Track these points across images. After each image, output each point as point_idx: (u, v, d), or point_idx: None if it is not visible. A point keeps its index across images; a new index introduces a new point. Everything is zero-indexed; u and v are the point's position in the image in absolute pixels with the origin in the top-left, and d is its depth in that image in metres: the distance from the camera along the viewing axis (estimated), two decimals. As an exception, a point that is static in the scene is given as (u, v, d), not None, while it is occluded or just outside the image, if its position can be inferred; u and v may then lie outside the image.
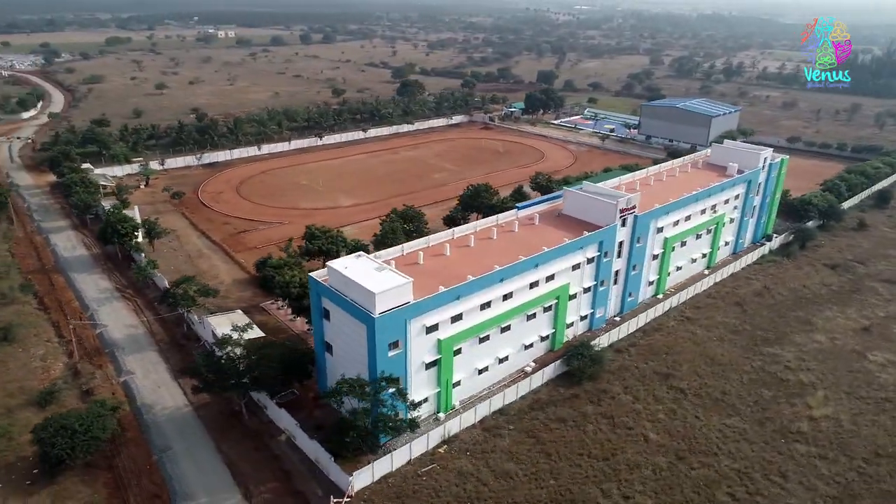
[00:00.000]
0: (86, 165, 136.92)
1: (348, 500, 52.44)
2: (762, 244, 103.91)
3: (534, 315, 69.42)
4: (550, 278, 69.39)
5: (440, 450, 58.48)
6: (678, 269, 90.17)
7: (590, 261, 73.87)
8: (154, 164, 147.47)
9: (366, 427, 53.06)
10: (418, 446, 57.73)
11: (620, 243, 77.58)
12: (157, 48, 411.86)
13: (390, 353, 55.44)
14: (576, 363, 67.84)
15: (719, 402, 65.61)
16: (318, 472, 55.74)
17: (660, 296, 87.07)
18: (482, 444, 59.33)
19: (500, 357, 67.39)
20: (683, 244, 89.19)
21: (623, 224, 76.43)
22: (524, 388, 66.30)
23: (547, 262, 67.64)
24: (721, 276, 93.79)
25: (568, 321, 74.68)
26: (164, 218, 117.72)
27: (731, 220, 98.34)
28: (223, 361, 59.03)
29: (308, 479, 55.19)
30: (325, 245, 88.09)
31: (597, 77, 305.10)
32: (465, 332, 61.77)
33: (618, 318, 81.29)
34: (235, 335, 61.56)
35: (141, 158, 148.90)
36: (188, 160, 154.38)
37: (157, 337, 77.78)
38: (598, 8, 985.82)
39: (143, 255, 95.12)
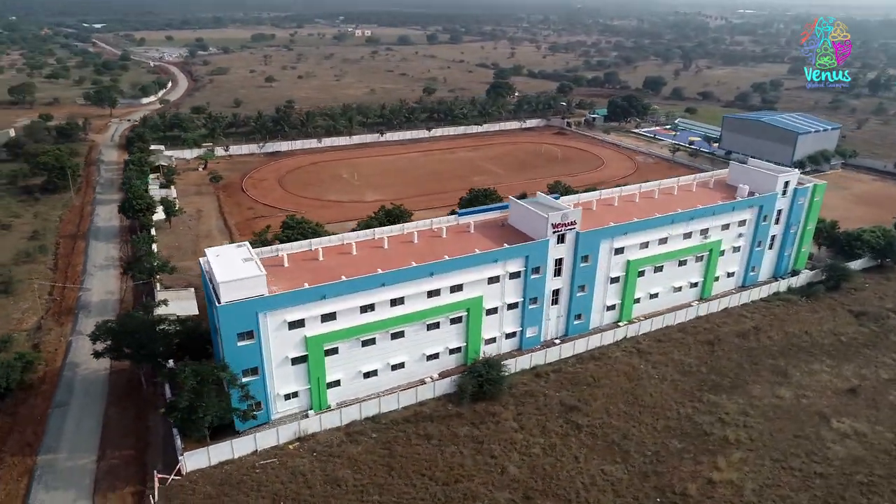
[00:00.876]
0: (158, 147, 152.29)
1: (176, 478, 54.27)
2: (781, 279, 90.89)
3: (437, 325, 66.76)
4: (457, 288, 66.28)
5: (291, 446, 58.48)
6: (653, 296, 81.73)
7: (513, 275, 69.40)
8: (220, 150, 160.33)
9: (192, 407, 54.21)
10: (270, 439, 58.19)
11: (559, 260, 72.05)
12: (293, 45, 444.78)
13: (240, 343, 56.33)
14: (463, 381, 64.27)
15: (613, 446, 58.86)
16: (172, 448, 58.19)
17: (622, 322, 79.56)
18: (334, 447, 58.37)
19: (393, 363, 65.66)
20: (659, 269, 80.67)
21: (561, 240, 70.87)
22: (408, 398, 64.10)
23: (447, 271, 64.66)
24: (709, 310, 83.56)
25: (487, 336, 70.81)
26: (199, 199, 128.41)
27: (736, 249, 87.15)
28: (117, 331, 63.49)
29: (159, 454, 57.89)
30: (295, 235, 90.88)
31: (715, 86, 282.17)
32: (339, 332, 61.02)
33: (557, 341, 75.58)
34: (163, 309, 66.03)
35: (210, 144, 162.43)
36: (252, 148, 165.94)
37: (123, 305, 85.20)
38: (765, 12, 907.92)
39: (153, 229, 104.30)
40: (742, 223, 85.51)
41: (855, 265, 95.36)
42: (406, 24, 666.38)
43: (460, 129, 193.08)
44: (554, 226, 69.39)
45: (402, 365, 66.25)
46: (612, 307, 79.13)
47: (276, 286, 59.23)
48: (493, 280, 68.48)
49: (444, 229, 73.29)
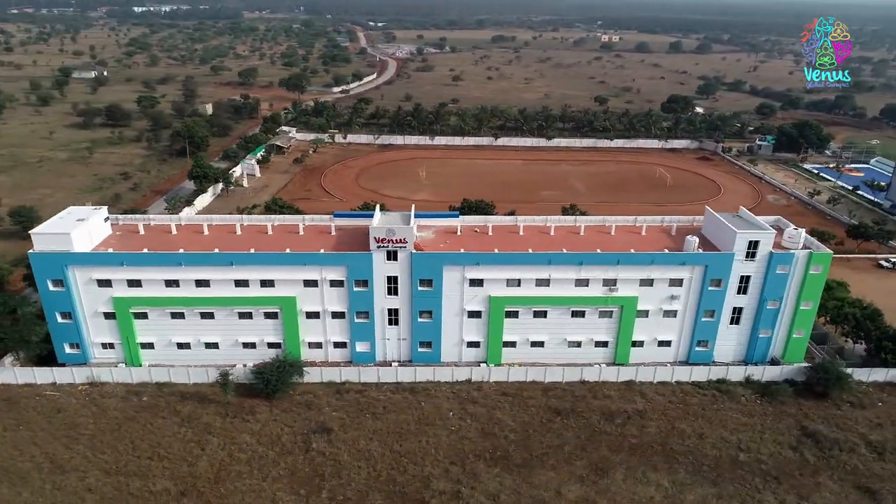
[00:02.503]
0: (286, 128, 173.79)
1: (-25, 386, 66.04)
2: (751, 366, 69.85)
3: (249, 315, 68.24)
4: (268, 284, 66.76)
5: (81, 387, 66.36)
6: (535, 343, 70.52)
7: (335, 283, 66.98)
8: (338, 138, 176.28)
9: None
10: (67, 376, 66.70)
11: (394, 279, 67.12)
12: (525, 47, 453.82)
13: (52, 288, 65.54)
14: (254, 374, 65.02)
15: (313, 479, 54.43)
16: None
17: (488, 365, 70.35)
18: (107, 398, 64.36)
19: (206, 342, 69.20)
20: (541, 315, 69.23)
21: (392, 257, 65.97)
22: (197, 377, 66.99)
23: (252, 264, 65.54)
24: (606, 377, 68.89)
25: (312, 340, 69.70)
26: (279, 176, 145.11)
27: (669, 314, 69.85)
28: None
29: None
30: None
31: None
32: (145, 299, 66.74)
33: (395, 363, 70.42)
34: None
35: (335, 131, 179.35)
36: (369, 138, 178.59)
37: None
38: None
39: (208, 194, 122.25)
40: (677, 283, 68.33)
41: (881, 375, 68.94)
42: (670, 31, 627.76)
43: (587, 142, 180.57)
44: (377, 240, 65.07)
45: (216, 345, 69.46)
46: (475, 344, 70.69)
47: (111, 248, 67.49)
48: (311, 283, 67.18)
49: (301, 226, 73.47)
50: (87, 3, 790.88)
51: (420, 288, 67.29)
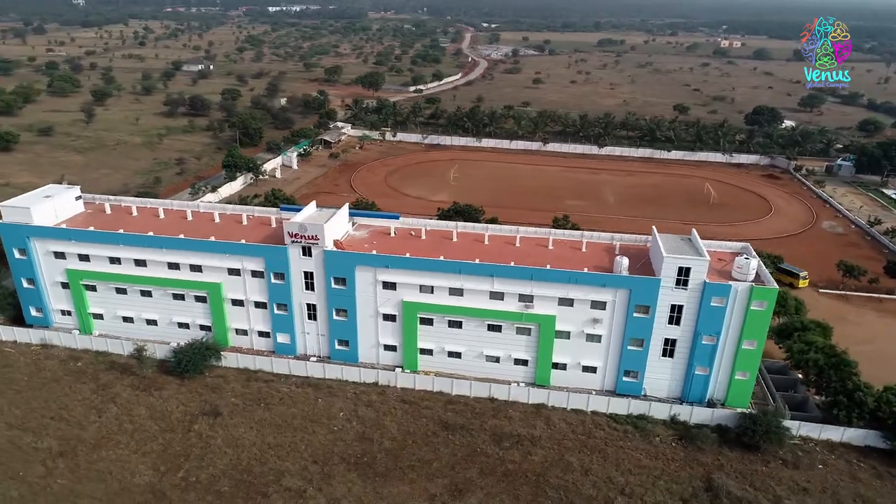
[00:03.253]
0: (341, 124, 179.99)
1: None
2: (687, 404, 63.31)
3: (182, 297, 71.98)
4: (196, 269, 70.02)
5: (34, 347, 73.26)
6: (452, 354, 68.44)
7: (255, 274, 68.93)
8: (389, 136, 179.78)
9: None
10: (25, 337, 74.01)
11: (310, 274, 67.83)
12: (634, 50, 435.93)
13: (17, 256, 72.75)
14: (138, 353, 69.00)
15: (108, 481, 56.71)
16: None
17: (404, 370, 69.33)
18: (42, 360, 70.30)
19: (147, 318, 73.67)
20: (456, 325, 67.03)
21: (307, 253, 66.73)
22: (130, 349, 71.72)
23: (181, 248, 69.03)
24: (509, 397, 65.31)
25: (237, 326, 72.29)
26: (314, 170, 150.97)
27: (592, 338, 64.90)
28: None
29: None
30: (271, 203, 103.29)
31: None
32: (93, 273, 72.37)
33: (313, 358, 71.25)
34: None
35: (388, 129, 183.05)
36: (419, 138, 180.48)
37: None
38: None
39: (235, 181, 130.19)
40: (600, 305, 63.42)
41: (836, 434, 59.94)
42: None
43: (643, 152, 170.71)
44: (291, 235, 66.16)
45: (154, 322, 74.03)
46: (391, 347, 69.81)
47: (73, 224, 74.19)
48: (235, 272, 69.65)
49: (245, 216, 76.12)
50: (230, 2, 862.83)
51: (334, 286, 67.63)
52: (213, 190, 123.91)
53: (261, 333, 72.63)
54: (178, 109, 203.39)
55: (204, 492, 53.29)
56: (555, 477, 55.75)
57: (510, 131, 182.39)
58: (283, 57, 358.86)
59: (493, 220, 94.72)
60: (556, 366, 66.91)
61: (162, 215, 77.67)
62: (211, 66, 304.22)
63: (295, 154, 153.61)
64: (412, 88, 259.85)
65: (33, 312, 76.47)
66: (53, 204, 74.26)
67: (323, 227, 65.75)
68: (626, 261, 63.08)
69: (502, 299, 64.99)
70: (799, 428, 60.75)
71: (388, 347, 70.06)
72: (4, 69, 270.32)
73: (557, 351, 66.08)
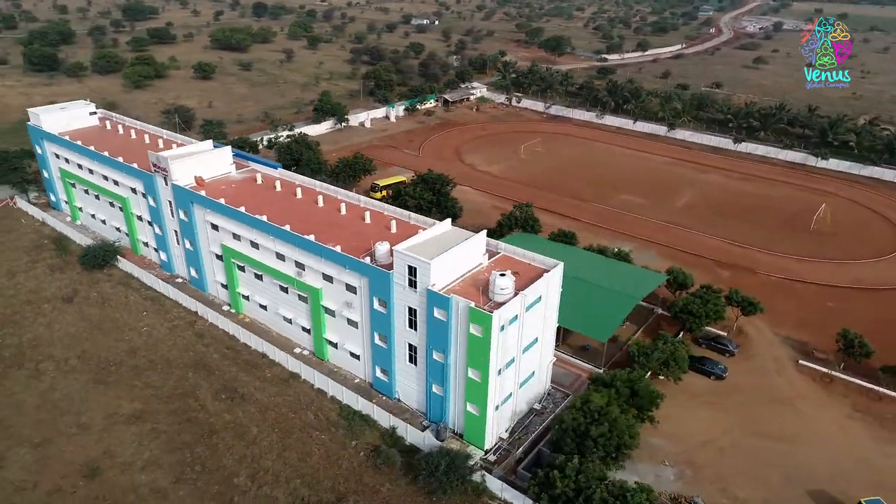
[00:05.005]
0: (477, 84, 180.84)
1: None
2: (440, 427, 56.15)
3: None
4: (116, 183, 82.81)
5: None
6: (262, 306, 70.21)
7: (144, 195, 78.74)
8: (514, 101, 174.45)
9: None
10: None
11: (170, 203, 75.08)
12: None
13: (38, 151, 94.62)
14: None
15: None
16: None
17: (231, 308, 73.68)
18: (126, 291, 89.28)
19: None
20: (259, 278, 68.40)
21: (166, 182, 73.94)
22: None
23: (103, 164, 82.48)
24: (275, 358, 64.89)
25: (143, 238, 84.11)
26: (407, 124, 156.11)
27: (352, 323, 60.39)
28: None
29: None
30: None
31: None
32: (75, 176, 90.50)
33: (180, 279, 79.39)
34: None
35: (519, 94, 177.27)
36: (538, 105, 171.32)
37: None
38: None
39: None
40: (352, 289, 58.90)
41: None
42: None
43: (794, 156, 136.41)
44: (153, 164, 73.92)
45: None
46: (225, 286, 74.21)
47: (79, 135, 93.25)
48: (134, 191, 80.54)
49: (171, 143, 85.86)
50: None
51: (181, 217, 74.24)
52: (291, 129, 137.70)
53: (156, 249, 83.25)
54: (360, 58, 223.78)
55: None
56: (228, 434, 55.90)
57: (650, 112, 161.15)
58: (512, 17, 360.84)
59: (525, 205, 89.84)
60: (331, 343, 64.37)
61: (132, 136, 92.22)
62: (436, 22, 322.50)
63: (401, 108, 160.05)
64: (598, 57, 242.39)
65: (52, 197, 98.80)
66: (68, 115, 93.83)
67: (168, 160, 72.06)
68: (385, 246, 57.00)
69: (283, 261, 64.47)
70: (502, 491, 49.74)
71: (224, 285, 74.76)
72: (275, 14, 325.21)
73: (329, 328, 63.50)
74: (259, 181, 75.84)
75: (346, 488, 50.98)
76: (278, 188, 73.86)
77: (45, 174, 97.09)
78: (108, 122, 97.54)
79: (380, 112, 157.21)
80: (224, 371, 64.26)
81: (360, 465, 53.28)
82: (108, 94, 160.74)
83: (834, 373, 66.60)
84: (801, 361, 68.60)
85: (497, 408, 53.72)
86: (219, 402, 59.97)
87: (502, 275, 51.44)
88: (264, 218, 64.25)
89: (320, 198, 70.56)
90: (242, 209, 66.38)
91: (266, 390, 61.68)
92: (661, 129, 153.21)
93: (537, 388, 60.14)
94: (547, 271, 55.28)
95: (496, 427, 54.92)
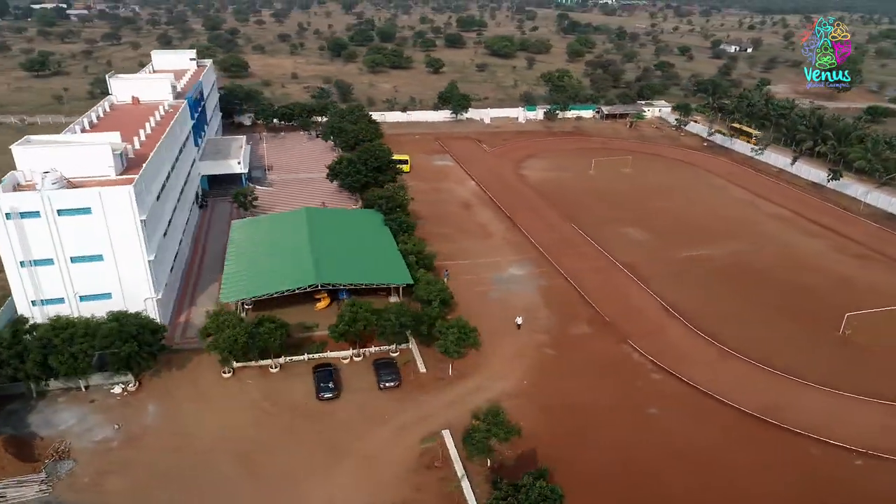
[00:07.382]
0: (652, 101, 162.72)
1: None
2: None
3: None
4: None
5: None
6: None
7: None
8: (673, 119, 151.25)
9: None
10: None
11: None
12: None
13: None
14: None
15: None
16: None
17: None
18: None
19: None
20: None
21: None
22: None
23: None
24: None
25: None
26: (534, 125, 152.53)
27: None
28: None
29: None
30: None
31: None
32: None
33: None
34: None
35: (695, 120, 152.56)
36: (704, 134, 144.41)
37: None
38: None
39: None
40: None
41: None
42: None
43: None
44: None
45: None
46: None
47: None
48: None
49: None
50: None
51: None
52: (404, 110, 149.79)
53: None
54: (596, 71, 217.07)
55: None
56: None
57: (853, 158, 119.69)
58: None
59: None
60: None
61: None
62: (748, 49, 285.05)
63: (532, 112, 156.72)
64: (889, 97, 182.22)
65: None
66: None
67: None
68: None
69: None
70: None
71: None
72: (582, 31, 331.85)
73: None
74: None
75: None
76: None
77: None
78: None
79: (510, 112, 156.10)
80: None
81: None
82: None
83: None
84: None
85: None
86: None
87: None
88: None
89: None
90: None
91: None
92: (823, 175, 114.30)
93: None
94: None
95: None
